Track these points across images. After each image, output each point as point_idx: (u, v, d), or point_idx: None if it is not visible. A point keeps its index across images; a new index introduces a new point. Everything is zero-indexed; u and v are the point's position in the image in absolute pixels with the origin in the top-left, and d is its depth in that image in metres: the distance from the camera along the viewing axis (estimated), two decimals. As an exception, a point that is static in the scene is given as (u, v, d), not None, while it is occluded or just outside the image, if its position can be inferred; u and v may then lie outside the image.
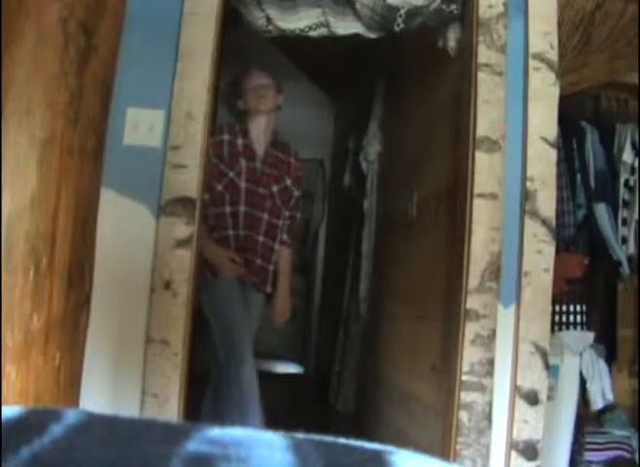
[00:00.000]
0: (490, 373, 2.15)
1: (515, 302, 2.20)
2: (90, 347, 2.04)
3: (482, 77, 2.27)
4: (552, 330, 2.49)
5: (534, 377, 2.16)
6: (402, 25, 2.46)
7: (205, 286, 2.73)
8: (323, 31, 2.55)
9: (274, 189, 2.87)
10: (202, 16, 2.26)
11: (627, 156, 3.31)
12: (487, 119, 2.25)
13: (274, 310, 2.97)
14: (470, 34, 2.35)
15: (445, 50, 2.55)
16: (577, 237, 3.24)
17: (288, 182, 2.92)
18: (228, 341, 2.68)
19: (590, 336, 3.02)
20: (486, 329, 2.16)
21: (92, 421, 0.37)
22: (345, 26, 2.47)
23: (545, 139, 2.25)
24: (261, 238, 2.84)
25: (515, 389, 2.15)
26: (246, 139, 2.85)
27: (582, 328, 3.01)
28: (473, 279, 2.18)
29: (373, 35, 2.56)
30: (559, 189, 2.60)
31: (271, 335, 5.15)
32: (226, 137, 2.84)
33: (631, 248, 3.28)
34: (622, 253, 3.27)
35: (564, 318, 3.00)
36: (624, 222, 3.31)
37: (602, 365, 3.07)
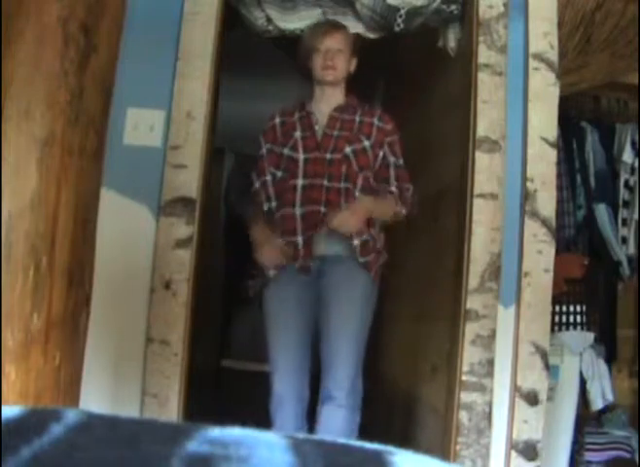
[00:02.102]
0: (490, 373, 2.15)
1: (516, 302, 2.20)
2: (90, 347, 2.04)
3: (483, 77, 2.27)
4: (552, 330, 2.49)
5: (534, 378, 2.16)
6: (402, 25, 2.46)
7: (262, 292, 2.33)
8: (323, 31, 2.54)
9: (348, 150, 2.30)
10: (202, 16, 2.26)
11: (627, 156, 3.32)
12: (487, 119, 2.25)
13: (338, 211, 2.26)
14: (470, 34, 2.35)
15: (445, 50, 2.55)
16: (577, 238, 3.24)
17: (366, 143, 2.32)
18: (270, 359, 2.26)
19: (590, 336, 3.02)
20: (486, 329, 2.16)
21: (92, 421, 0.37)
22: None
23: (545, 139, 2.25)
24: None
25: (515, 389, 2.15)
26: (302, 112, 2.40)
27: (582, 328, 3.02)
28: (473, 279, 2.18)
29: (372, 35, 2.56)
30: (559, 189, 2.61)
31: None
32: (277, 120, 2.41)
33: (631, 248, 3.28)
34: (621, 253, 3.27)
35: (564, 318, 3.00)
36: (624, 222, 3.31)
37: (602, 365, 3.07)
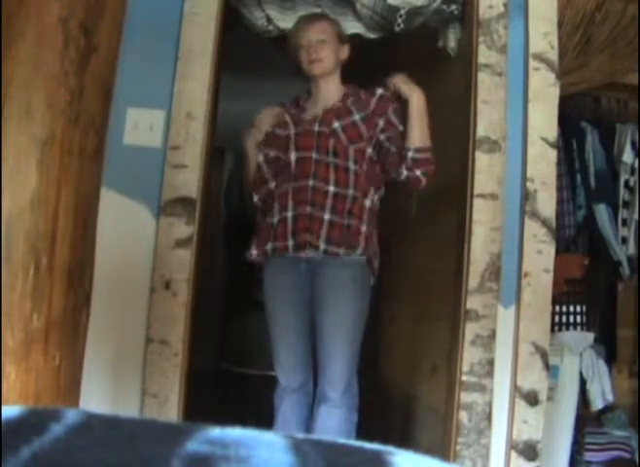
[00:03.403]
0: (490, 373, 2.15)
1: (516, 302, 2.20)
2: (90, 347, 2.04)
3: (483, 77, 2.27)
4: (552, 330, 2.49)
5: (534, 378, 2.16)
6: (402, 26, 2.46)
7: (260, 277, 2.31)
8: (323, 31, 2.54)
9: (336, 125, 2.23)
10: (202, 16, 2.26)
11: (627, 156, 3.32)
12: (487, 119, 2.25)
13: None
14: (470, 34, 2.35)
15: (445, 50, 2.55)
16: (577, 238, 3.24)
17: (357, 117, 2.24)
18: (273, 355, 2.26)
19: (590, 336, 3.02)
20: (486, 329, 2.16)
21: (92, 421, 0.37)
22: (345, 26, 2.47)
23: (545, 139, 2.25)
24: (331, 188, 2.18)
25: (515, 389, 2.15)
26: (297, 109, 2.36)
27: (582, 328, 3.02)
28: (473, 280, 2.18)
29: (373, 35, 2.56)
30: (559, 189, 2.61)
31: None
32: (276, 126, 2.35)
33: (631, 249, 3.28)
34: (621, 253, 3.27)
35: (564, 319, 3.00)
36: (624, 222, 3.31)
37: (602, 365, 3.07)
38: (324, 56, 2.27)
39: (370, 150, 2.26)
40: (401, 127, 2.27)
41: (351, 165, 2.22)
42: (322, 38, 2.27)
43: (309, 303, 2.22)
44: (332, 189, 2.19)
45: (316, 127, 2.25)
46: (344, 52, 2.34)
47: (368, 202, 2.23)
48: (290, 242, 2.17)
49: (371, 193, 2.25)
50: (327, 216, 2.17)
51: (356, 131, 2.25)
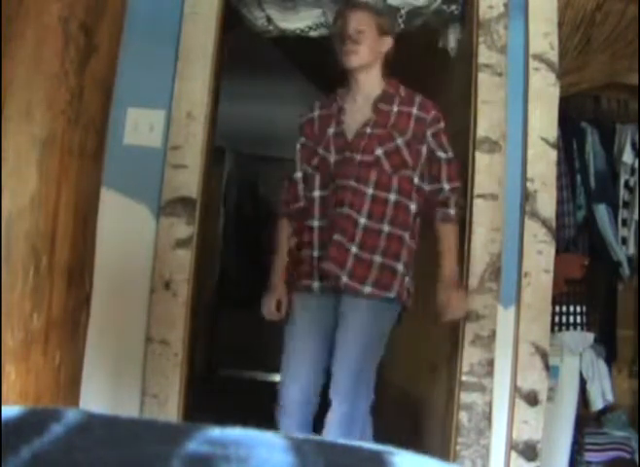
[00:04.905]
0: (490, 373, 2.15)
1: (515, 302, 2.20)
2: (90, 347, 2.04)
3: (483, 77, 2.27)
4: (552, 330, 2.49)
5: (534, 378, 2.16)
6: (402, 26, 2.46)
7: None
8: (323, 31, 2.55)
9: (379, 152, 2.12)
10: (202, 16, 2.26)
11: (627, 156, 3.31)
12: (488, 119, 2.25)
13: (438, 302, 2.14)
14: (470, 35, 2.35)
15: (446, 50, 2.55)
16: (577, 238, 3.24)
17: (399, 141, 2.12)
18: (280, 379, 2.17)
19: (590, 336, 3.02)
20: (486, 329, 2.16)
21: (92, 421, 0.37)
22: (346, 27, 2.47)
23: (545, 140, 2.25)
24: (362, 220, 2.08)
25: (515, 390, 2.15)
26: (339, 104, 2.22)
27: (582, 329, 3.01)
28: (473, 280, 2.18)
29: (373, 35, 2.56)
30: (559, 189, 2.61)
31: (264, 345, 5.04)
32: (316, 113, 2.25)
33: (631, 249, 3.28)
34: (621, 254, 3.27)
35: (564, 319, 3.00)
36: (624, 223, 3.31)
37: (602, 366, 3.07)
38: (360, 49, 2.15)
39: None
40: (441, 154, 2.18)
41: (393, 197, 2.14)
42: (360, 28, 2.15)
43: (333, 322, 2.14)
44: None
45: (358, 156, 2.14)
46: (386, 44, 2.21)
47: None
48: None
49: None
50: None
51: (399, 157, 2.15)
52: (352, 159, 2.12)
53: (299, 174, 2.24)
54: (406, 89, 2.21)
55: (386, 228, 2.10)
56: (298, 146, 2.26)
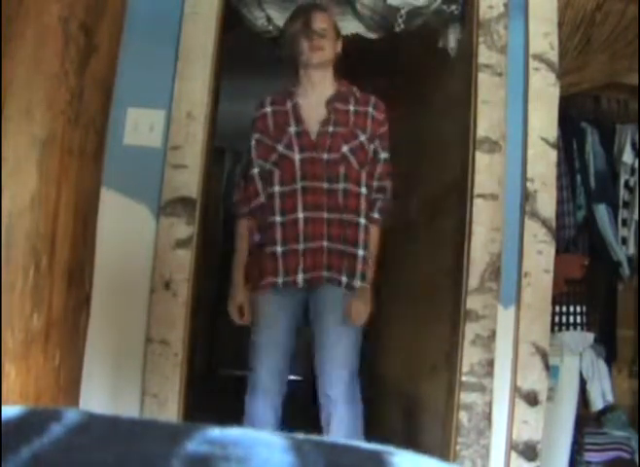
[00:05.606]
0: (490, 373, 2.15)
1: (516, 302, 2.20)
2: (90, 347, 2.04)
3: (483, 77, 2.27)
4: (552, 330, 2.49)
5: (534, 378, 2.16)
6: (402, 26, 2.46)
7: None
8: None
9: (345, 149, 2.20)
10: (202, 16, 2.26)
11: (627, 156, 3.32)
12: (488, 119, 2.25)
13: (345, 307, 2.17)
14: (470, 35, 2.35)
15: (446, 50, 2.55)
16: (577, 238, 3.24)
17: (363, 138, 2.23)
18: (251, 363, 2.26)
19: (590, 336, 3.02)
20: (486, 329, 2.16)
21: (92, 421, 0.37)
22: (345, 26, 2.48)
23: (545, 140, 2.25)
24: (336, 216, 2.17)
25: (515, 390, 2.15)
26: (293, 101, 2.28)
27: (582, 329, 3.02)
28: (473, 280, 2.18)
29: (373, 35, 2.56)
30: (559, 189, 2.61)
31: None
32: (268, 109, 2.30)
33: (631, 249, 3.28)
34: (621, 254, 3.27)
35: (564, 319, 3.00)
36: (624, 223, 3.31)
37: (602, 366, 3.08)
38: (326, 46, 2.25)
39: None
40: (382, 155, 2.29)
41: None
42: (324, 27, 2.26)
43: (304, 308, 2.24)
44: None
45: (325, 155, 2.21)
46: (339, 46, 2.32)
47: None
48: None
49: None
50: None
51: (363, 154, 2.25)
52: (319, 158, 2.19)
53: (255, 170, 2.29)
54: (358, 90, 2.32)
55: (362, 220, 2.22)
56: (252, 142, 2.30)
